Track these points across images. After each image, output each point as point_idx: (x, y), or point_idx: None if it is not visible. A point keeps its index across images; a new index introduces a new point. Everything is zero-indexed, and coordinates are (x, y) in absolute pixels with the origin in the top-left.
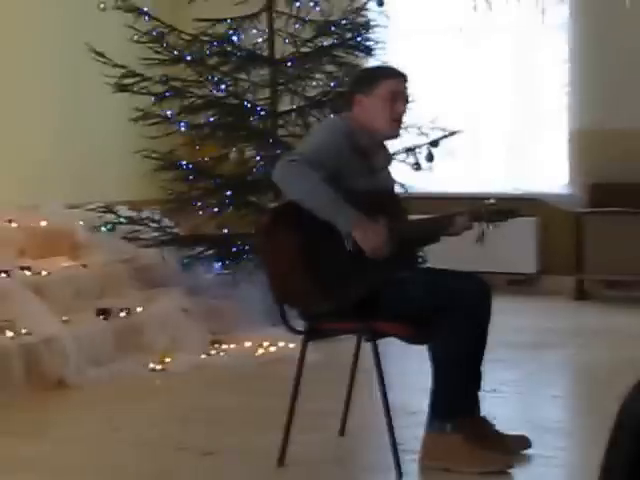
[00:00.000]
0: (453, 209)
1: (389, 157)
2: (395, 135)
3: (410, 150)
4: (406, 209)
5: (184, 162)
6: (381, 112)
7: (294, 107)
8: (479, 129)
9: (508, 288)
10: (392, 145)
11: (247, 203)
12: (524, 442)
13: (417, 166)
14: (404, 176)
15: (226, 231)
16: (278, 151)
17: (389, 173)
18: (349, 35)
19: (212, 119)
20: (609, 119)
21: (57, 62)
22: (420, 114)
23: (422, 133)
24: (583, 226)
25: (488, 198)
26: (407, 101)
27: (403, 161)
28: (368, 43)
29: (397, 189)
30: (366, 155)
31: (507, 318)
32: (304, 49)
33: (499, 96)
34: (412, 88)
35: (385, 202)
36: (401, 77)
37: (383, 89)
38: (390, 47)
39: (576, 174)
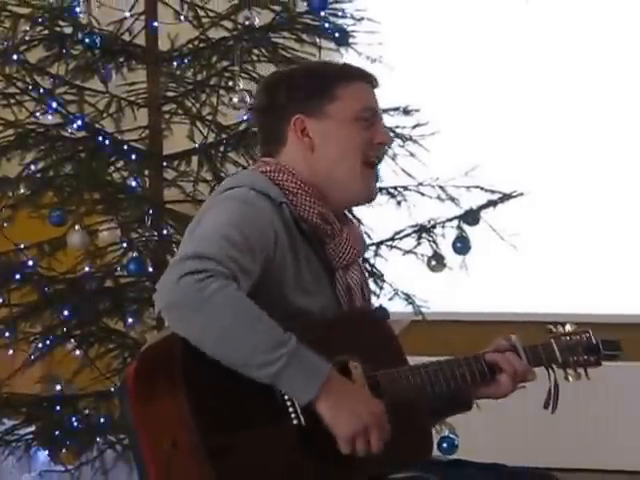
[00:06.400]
0: (495, 341)
1: (360, 241)
2: (372, 197)
3: (425, 230)
4: (400, 344)
5: None
6: (348, 149)
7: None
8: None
9: None
10: (375, 217)
11: (101, 333)
12: None
13: (436, 261)
14: (408, 283)
15: (60, 388)
16: (165, 231)
17: (362, 272)
18: None
19: (32, 166)
20: None
21: None
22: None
23: (448, 197)
24: None
25: (563, 323)
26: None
27: (410, 252)
28: None
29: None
30: (315, 239)
31: None
32: None
33: None
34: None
35: (357, 330)
36: (370, 80)
37: (348, 101)
38: None
39: None
